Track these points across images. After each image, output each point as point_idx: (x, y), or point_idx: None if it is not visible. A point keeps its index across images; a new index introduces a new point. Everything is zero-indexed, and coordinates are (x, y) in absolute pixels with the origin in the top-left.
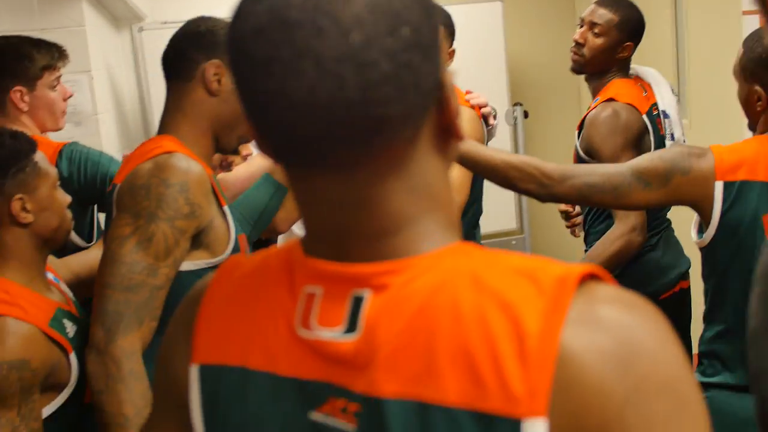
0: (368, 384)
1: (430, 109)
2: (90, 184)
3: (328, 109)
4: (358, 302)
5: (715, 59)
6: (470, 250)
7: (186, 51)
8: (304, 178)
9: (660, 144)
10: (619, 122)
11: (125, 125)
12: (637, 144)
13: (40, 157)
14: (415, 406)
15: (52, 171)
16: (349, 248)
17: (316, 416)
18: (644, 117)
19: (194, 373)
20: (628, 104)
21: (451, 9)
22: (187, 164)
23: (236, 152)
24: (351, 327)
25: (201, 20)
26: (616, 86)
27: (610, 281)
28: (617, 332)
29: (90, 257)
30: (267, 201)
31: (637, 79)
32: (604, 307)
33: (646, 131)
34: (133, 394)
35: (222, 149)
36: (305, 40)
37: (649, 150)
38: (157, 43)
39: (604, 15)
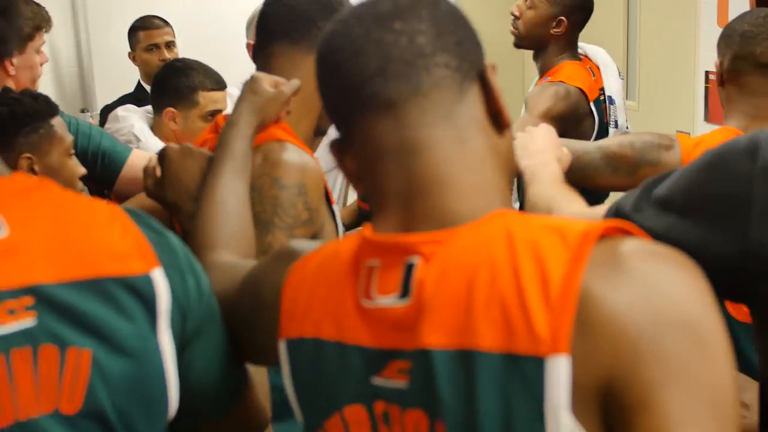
0: (416, 340)
1: (475, 83)
2: (80, 159)
3: (381, 42)
4: (409, 269)
5: (667, 42)
6: (508, 214)
7: (312, 15)
8: (369, 129)
9: (602, 130)
10: (567, 100)
11: (62, 88)
12: (574, 128)
13: (57, 122)
14: (457, 354)
15: (68, 138)
16: (410, 210)
17: (378, 381)
18: (591, 104)
19: (282, 347)
20: (578, 88)
21: None
22: (301, 159)
23: (323, 133)
24: (404, 292)
25: None
26: (567, 69)
27: (644, 236)
28: (636, 273)
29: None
30: None
31: (586, 60)
32: (625, 255)
33: (588, 118)
34: None
35: (316, 128)
36: (366, 9)
37: (587, 137)
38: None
39: None
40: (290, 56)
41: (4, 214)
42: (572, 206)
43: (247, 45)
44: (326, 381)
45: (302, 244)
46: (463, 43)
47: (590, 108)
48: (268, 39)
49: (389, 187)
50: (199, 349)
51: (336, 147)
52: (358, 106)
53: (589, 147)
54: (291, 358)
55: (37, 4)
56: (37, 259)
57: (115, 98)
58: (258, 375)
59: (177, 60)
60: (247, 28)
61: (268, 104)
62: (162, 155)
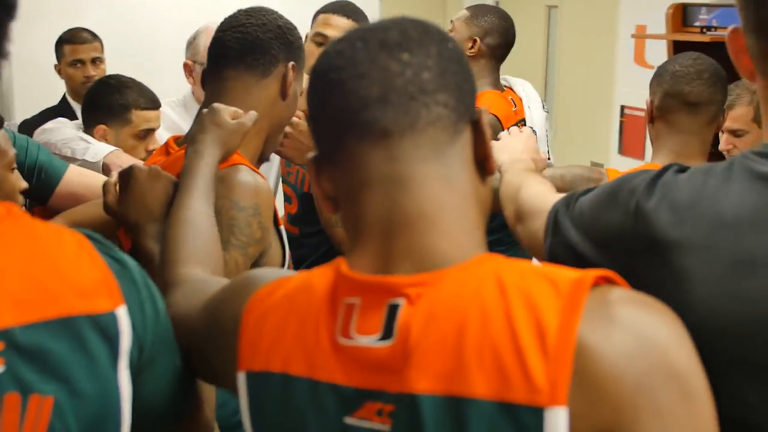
0: (403, 383)
1: (467, 127)
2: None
3: (386, 70)
4: (393, 310)
5: (584, 76)
6: (495, 258)
7: (270, 45)
8: (357, 155)
9: None
10: None
11: None
12: None
13: (1, 134)
14: (447, 400)
15: (11, 152)
16: (390, 246)
17: (351, 421)
18: (505, 133)
19: (242, 379)
20: (494, 115)
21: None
22: (255, 181)
23: (266, 160)
24: (387, 333)
25: (274, 14)
26: (487, 97)
27: (624, 284)
28: (630, 326)
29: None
30: None
31: (509, 91)
32: (617, 305)
33: None
34: None
35: (260, 155)
36: (373, 34)
37: None
38: None
39: (460, 15)
40: (243, 81)
41: None
42: (539, 186)
43: (185, 64)
44: (292, 418)
45: (264, 273)
46: (462, 86)
47: None
48: (222, 63)
49: (371, 218)
50: (150, 374)
51: (315, 164)
52: (353, 129)
53: (518, 177)
54: (251, 391)
55: None
56: (6, 300)
57: (35, 111)
58: (207, 391)
59: (111, 77)
60: (187, 47)
61: (231, 136)
62: (128, 174)
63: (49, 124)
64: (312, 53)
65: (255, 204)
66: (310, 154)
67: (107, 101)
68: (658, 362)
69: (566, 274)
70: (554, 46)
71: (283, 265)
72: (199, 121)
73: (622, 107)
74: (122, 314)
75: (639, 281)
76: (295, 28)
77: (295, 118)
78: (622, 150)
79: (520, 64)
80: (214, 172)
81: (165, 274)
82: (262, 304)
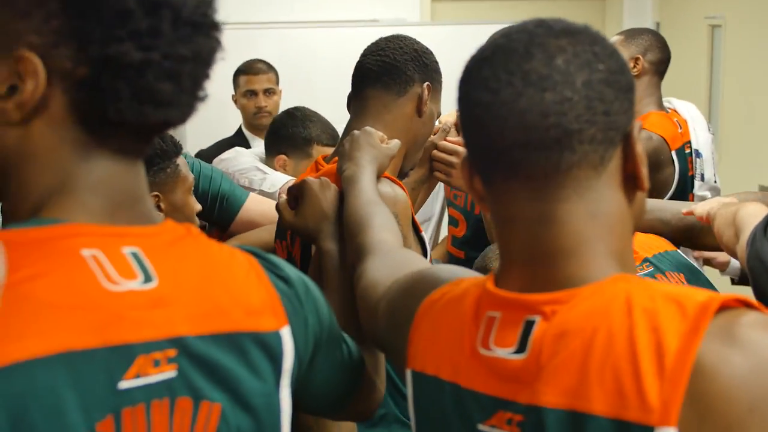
0: (532, 396)
1: (618, 148)
2: (200, 201)
3: (528, 113)
4: (529, 326)
5: (750, 95)
6: (629, 278)
7: (405, 67)
8: (503, 193)
9: (684, 183)
10: (647, 143)
11: None
12: (652, 174)
13: (181, 161)
14: (569, 414)
15: (190, 177)
16: (532, 272)
17: (483, 427)
18: (673, 153)
19: (409, 376)
20: (660, 136)
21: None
22: (393, 192)
23: (405, 175)
24: (521, 347)
25: (411, 40)
26: (652, 118)
27: (761, 309)
28: (751, 348)
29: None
30: None
31: (674, 113)
32: (743, 327)
33: (668, 166)
34: None
35: (399, 170)
36: (518, 63)
37: (668, 185)
38: None
39: (614, 40)
40: (382, 99)
41: (154, 264)
42: (754, 206)
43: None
44: (441, 419)
45: (442, 272)
46: (612, 110)
47: (671, 157)
48: (362, 84)
49: (515, 250)
50: (313, 377)
51: (467, 166)
52: (497, 169)
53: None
54: (415, 388)
55: None
56: (182, 312)
57: (207, 143)
58: (373, 358)
59: (297, 108)
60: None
61: (383, 158)
62: (300, 187)
63: (227, 154)
64: None
65: (393, 212)
66: (463, 156)
67: (291, 132)
68: None
69: (696, 296)
70: (718, 66)
71: None
72: (353, 140)
73: None
74: (286, 334)
75: None
76: (431, 53)
77: (461, 148)
78: None
79: (683, 86)
80: (374, 183)
81: (361, 238)
82: (432, 308)
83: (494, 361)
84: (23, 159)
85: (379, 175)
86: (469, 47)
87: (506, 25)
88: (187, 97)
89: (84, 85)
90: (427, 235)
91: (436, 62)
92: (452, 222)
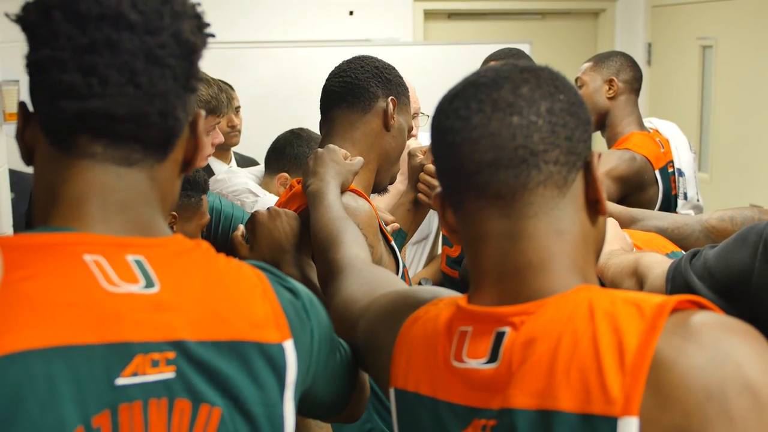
0: (503, 401)
1: (579, 172)
2: (221, 240)
3: (497, 135)
4: (499, 337)
5: (741, 114)
6: (591, 288)
7: (367, 84)
8: (474, 213)
9: (668, 202)
10: (630, 164)
11: None
12: (636, 193)
13: (204, 200)
14: (539, 414)
15: (207, 217)
16: (503, 287)
17: None
18: (656, 172)
19: (392, 395)
20: (643, 156)
21: (480, 48)
22: (356, 203)
23: (385, 190)
24: (493, 357)
25: (372, 59)
26: (635, 138)
27: (716, 309)
28: (706, 341)
29: None
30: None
31: (656, 133)
32: (698, 324)
33: (652, 186)
34: None
35: (375, 185)
36: (487, 93)
37: (652, 205)
38: None
39: (583, 68)
40: (348, 118)
41: (157, 271)
42: (656, 255)
43: None
44: (422, 430)
45: (422, 294)
46: (573, 136)
47: (655, 177)
48: (328, 106)
49: (486, 267)
50: (316, 385)
51: (440, 200)
52: (468, 191)
53: (690, 220)
54: (398, 405)
55: (220, 87)
56: (183, 317)
57: None
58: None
59: (302, 129)
60: None
61: (346, 173)
62: (252, 221)
63: (221, 175)
64: None
65: (356, 223)
66: (437, 191)
67: (296, 152)
68: (732, 374)
69: (653, 299)
70: (709, 86)
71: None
72: (317, 157)
73: None
74: (289, 348)
75: (764, 321)
76: (394, 68)
77: None
78: None
79: (674, 106)
80: (339, 197)
81: (332, 254)
82: (412, 328)
83: (467, 372)
84: (35, 180)
85: (344, 191)
86: (462, 67)
87: (499, 46)
88: (116, 87)
89: (32, 102)
90: (422, 254)
91: (400, 77)
92: (446, 242)
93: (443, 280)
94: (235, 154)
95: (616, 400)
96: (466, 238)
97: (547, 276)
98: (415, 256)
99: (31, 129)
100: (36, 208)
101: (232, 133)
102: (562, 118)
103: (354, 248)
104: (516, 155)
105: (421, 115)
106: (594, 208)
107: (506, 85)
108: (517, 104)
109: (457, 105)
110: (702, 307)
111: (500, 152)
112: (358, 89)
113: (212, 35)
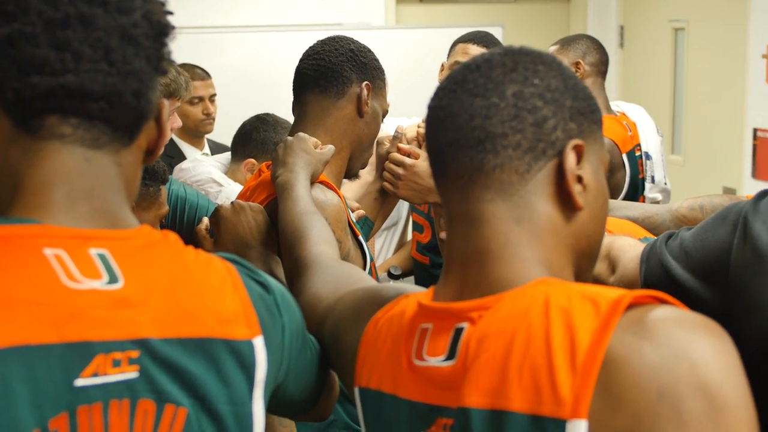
0: (459, 399)
1: (551, 162)
2: (187, 230)
3: (458, 116)
4: (458, 333)
5: (714, 97)
6: (550, 281)
7: (341, 68)
8: (443, 192)
9: (635, 185)
10: None
11: None
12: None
13: (163, 190)
14: (492, 414)
15: (165, 208)
16: (464, 274)
17: None
18: (624, 156)
19: (357, 394)
20: (610, 140)
21: (452, 31)
22: (324, 197)
23: (356, 176)
24: (451, 354)
25: (347, 40)
26: (602, 123)
27: (676, 304)
28: (661, 339)
29: None
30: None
31: (623, 116)
32: (654, 321)
33: (620, 170)
34: None
35: (347, 171)
36: (464, 75)
37: (619, 188)
38: None
39: (550, 51)
40: (321, 103)
41: (121, 266)
42: (625, 239)
43: None
44: (384, 429)
45: (387, 292)
46: (544, 123)
47: (622, 160)
48: (301, 90)
49: (454, 250)
50: (288, 382)
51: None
52: (437, 170)
53: (660, 209)
54: (363, 404)
55: (178, 71)
56: (147, 314)
57: None
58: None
59: (268, 115)
60: None
61: (317, 163)
62: (216, 215)
63: (186, 164)
64: None
65: (324, 217)
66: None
67: (263, 137)
68: (686, 374)
69: (610, 294)
70: (681, 69)
71: (364, 270)
72: (287, 146)
73: (755, 130)
74: (259, 344)
75: (746, 298)
76: (369, 51)
77: (408, 160)
78: (756, 173)
79: (647, 88)
80: (308, 189)
81: (298, 250)
82: (376, 327)
83: (428, 371)
84: None
85: (314, 181)
86: (434, 50)
87: (472, 29)
88: (90, 63)
89: None
90: (392, 241)
91: (376, 60)
92: (417, 228)
93: (414, 267)
94: (209, 141)
95: (566, 402)
96: (445, 220)
97: (505, 264)
98: (385, 242)
99: None
100: None
101: (207, 120)
102: (531, 102)
103: (320, 244)
104: (472, 136)
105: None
106: (566, 203)
107: (482, 68)
108: (484, 86)
109: (442, 86)
110: (662, 302)
111: (458, 132)
112: (332, 74)
113: (174, 27)
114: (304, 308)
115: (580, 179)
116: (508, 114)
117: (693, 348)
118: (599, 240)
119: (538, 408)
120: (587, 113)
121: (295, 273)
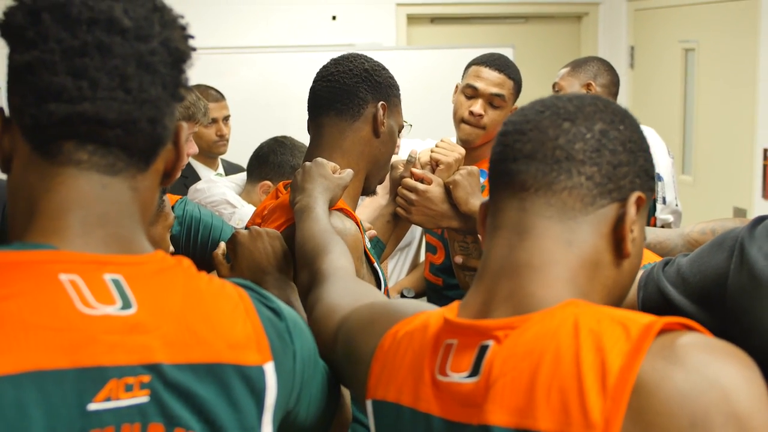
0: (482, 416)
1: (613, 204)
2: (201, 250)
3: (544, 131)
4: (483, 350)
5: (724, 117)
6: (579, 303)
7: (356, 90)
8: (498, 202)
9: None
10: None
11: None
12: None
13: (166, 199)
14: None
15: (171, 217)
16: (495, 286)
17: None
18: None
19: (369, 406)
20: None
21: (463, 52)
22: (343, 225)
23: (373, 192)
24: (475, 371)
25: (361, 59)
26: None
27: (703, 331)
28: (692, 366)
29: None
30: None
31: None
32: (685, 347)
33: None
34: None
35: (364, 189)
36: (554, 101)
37: None
38: None
39: (561, 73)
40: (337, 126)
41: (135, 291)
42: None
43: None
44: None
45: (404, 307)
46: (619, 167)
47: None
48: (316, 113)
49: (492, 259)
50: (300, 408)
51: (483, 208)
52: (501, 177)
53: (672, 234)
54: (376, 417)
55: (197, 95)
56: (159, 339)
57: None
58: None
59: (285, 137)
60: None
61: (335, 188)
62: (233, 241)
63: (201, 184)
64: (462, 104)
65: None
66: (483, 200)
67: (280, 160)
68: (717, 401)
69: (641, 319)
70: (692, 89)
71: None
72: (306, 172)
73: (765, 150)
74: (269, 370)
75: (745, 321)
76: (384, 68)
77: (421, 186)
78: (766, 194)
79: (657, 109)
80: (327, 213)
81: (319, 263)
82: (392, 340)
83: (451, 386)
84: (12, 189)
85: (332, 206)
86: (445, 71)
87: (482, 50)
88: (106, 92)
89: (12, 107)
90: (405, 262)
91: (390, 77)
92: (430, 249)
93: (426, 288)
94: (223, 161)
95: (596, 425)
96: (487, 230)
97: (542, 281)
98: (398, 263)
99: (10, 135)
100: (13, 220)
101: (220, 142)
102: (613, 144)
103: (342, 260)
104: (552, 154)
105: (405, 124)
106: (618, 248)
107: (574, 101)
108: (575, 114)
109: (527, 106)
110: (690, 329)
111: (539, 146)
112: (347, 96)
113: (194, 49)
114: (319, 316)
115: (632, 230)
116: (591, 146)
117: (724, 376)
118: (627, 294)
119: (566, 429)
120: (650, 177)
121: (314, 283)
